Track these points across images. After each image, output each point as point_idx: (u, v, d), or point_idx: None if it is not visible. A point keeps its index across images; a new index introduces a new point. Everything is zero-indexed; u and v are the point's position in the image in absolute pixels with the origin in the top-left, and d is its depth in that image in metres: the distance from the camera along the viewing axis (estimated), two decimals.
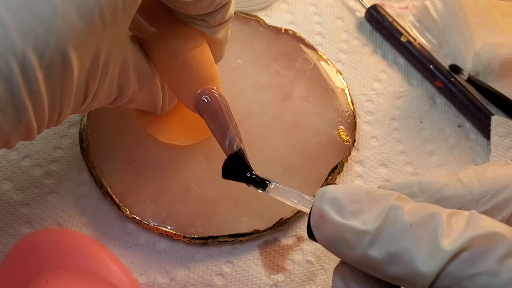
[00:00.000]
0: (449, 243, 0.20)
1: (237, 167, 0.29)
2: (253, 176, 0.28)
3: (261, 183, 0.28)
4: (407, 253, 0.20)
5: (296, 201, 0.27)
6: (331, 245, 0.23)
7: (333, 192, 0.23)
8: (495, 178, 0.23)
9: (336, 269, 0.24)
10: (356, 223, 0.22)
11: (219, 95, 0.31)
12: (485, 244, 0.20)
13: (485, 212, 0.22)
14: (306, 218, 0.36)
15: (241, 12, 0.43)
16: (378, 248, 0.21)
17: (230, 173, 0.29)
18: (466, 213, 0.21)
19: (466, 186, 0.24)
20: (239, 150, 0.29)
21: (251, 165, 0.30)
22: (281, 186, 0.28)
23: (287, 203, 0.28)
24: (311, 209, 0.24)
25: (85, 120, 0.37)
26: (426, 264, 0.20)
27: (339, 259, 0.35)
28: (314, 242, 0.25)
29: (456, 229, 0.20)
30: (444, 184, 0.24)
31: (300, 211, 0.36)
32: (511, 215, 0.23)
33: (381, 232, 0.21)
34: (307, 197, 0.27)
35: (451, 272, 0.20)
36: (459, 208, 0.22)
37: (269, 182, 0.28)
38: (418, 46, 0.43)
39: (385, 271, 0.21)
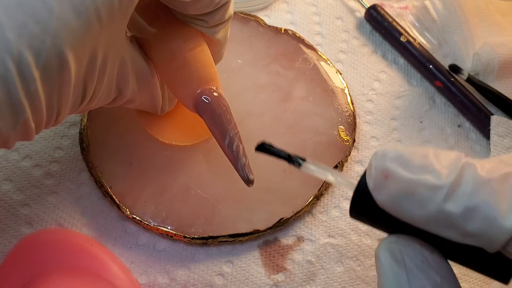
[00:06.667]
0: None
1: (270, 151, 0.28)
2: (288, 155, 0.28)
3: (295, 162, 0.28)
4: (487, 206, 0.20)
5: (333, 177, 0.26)
6: (397, 205, 0.21)
7: (396, 151, 0.21)
8: None
9: (384, 246, 0.22)
10: (428, 177, 0.20)
11: (219, 95, 0.31)
12: None
13: None
14: (307, 218, 0.36)
15: (241, 12, 0.43)
16: (455, 202, 0.20)
17: (265, 150, 0.29)
18: None
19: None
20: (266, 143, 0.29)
21: (255, 169, 0.31)
22: (315, 164, 0.27)
23: (323, 178, 0.27)
24: (362, 178, 0.23)
25: (85, 120, 0.37)
26: (509, 218, 0.19)
27: (339, 259, 0.35)
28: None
29: None
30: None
31: (300, 210, 0.36)
32: None
33: (458, 186, 0.20)
34: (342, 174, 0.26)
35: None
36: None
37: (304, 160, 0.27)
38: (417, 46, 0.43)
39: (462, 227, 0.20)
